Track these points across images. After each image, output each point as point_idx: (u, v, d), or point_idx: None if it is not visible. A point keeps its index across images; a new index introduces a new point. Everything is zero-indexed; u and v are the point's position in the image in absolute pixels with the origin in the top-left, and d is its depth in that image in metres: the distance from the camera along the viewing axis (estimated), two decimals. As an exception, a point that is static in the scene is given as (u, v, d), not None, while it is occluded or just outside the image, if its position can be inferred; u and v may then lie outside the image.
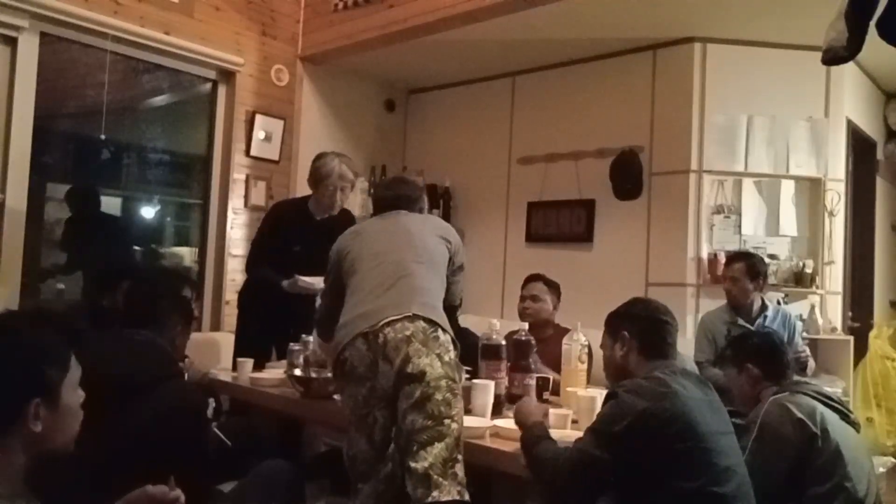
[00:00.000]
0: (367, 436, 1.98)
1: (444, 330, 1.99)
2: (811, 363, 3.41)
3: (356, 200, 4.81)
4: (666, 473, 1.67)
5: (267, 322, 3.24)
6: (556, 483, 1.74)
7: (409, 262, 2.10)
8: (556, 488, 1.75)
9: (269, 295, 3.16)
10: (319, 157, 3.39)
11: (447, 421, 1.87)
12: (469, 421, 2.10)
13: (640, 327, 1.93)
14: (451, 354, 1.98)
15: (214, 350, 3.64)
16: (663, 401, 1.69)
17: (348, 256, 2.21)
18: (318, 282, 3.13)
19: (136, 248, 4.36)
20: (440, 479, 1.81)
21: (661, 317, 1.95)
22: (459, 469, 1.86)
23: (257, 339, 3.25)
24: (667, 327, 1.94)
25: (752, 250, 3.87)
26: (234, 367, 3.11)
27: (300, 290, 3.10)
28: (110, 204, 4.31)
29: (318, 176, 3.29)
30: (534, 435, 1.84)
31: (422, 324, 1.94)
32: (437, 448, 1.84)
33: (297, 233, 3.29)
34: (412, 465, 1.84)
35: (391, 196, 2.40)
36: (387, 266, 2.09)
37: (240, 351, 3.20)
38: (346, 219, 3.37)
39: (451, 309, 2.23)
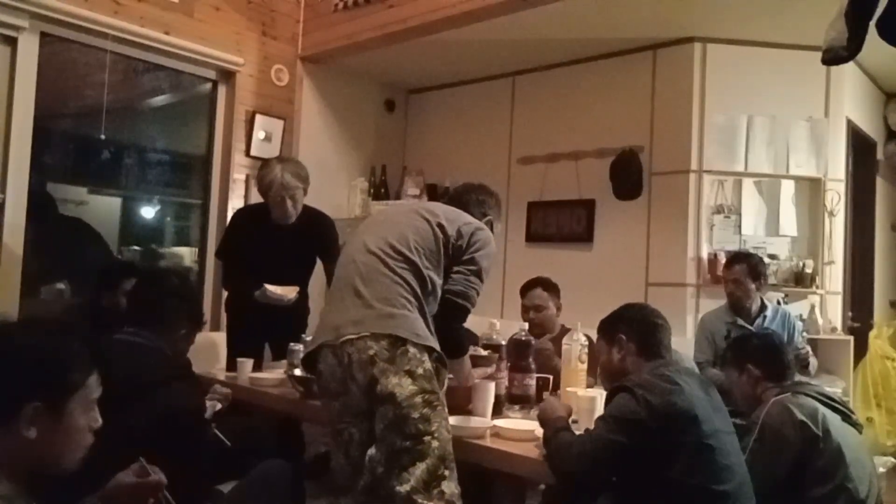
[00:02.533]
0: (344, 452, 1.94)
1: (413, 343, 1.86)
2: (813, 361, 3.41)
3: (356, 200, 4.82)
4: (668, 468, 1.68)
5: (256, 324, 3.19)
6: (564, 468, 1.74)
7: (376, 262, 1.96)
8: (566, 473, 1.75)
9: (253, 300, 3.12)
10: (262, 166, 3.25)
11: (427, 438, 1.80)
12: (469, 421, 2.11)
13: (636, 329, 1.96)
14: (427, 364, 1.86)
15: (214, 350, 3.64)
16: (671, 395, 1.72)
17: (342, 249, 2.19)
18: (288, 292, 3.12)
19: (132, 247, 4.34)
20: (426, 502, 1.77)
21: (655, 319, 1.99)
22: (447, 485, 1.80)
23: (248, 341, 3.20)
24: (662, 329, 1.98)
25: (751, 250, 3.87)
26: (228, 368, 3.10)
27: (269, 300, 3.07)
28: (111, 204, 4.31)
29: (261, 187, 3.16)
30: (554, 427, 1.84)
31: (385, 342, 1.85)
32: (419, 469, 1.78)
33: (260, 240, 3.19)
34: (397, 488, 1.78)
35: (449, 193, 2.41)
36: (354, 268, 1.99)
37: (232, 353, 3.15)
38: (319, 223, 3.28)
39: (444, 304, 2.00)
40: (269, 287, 3.06)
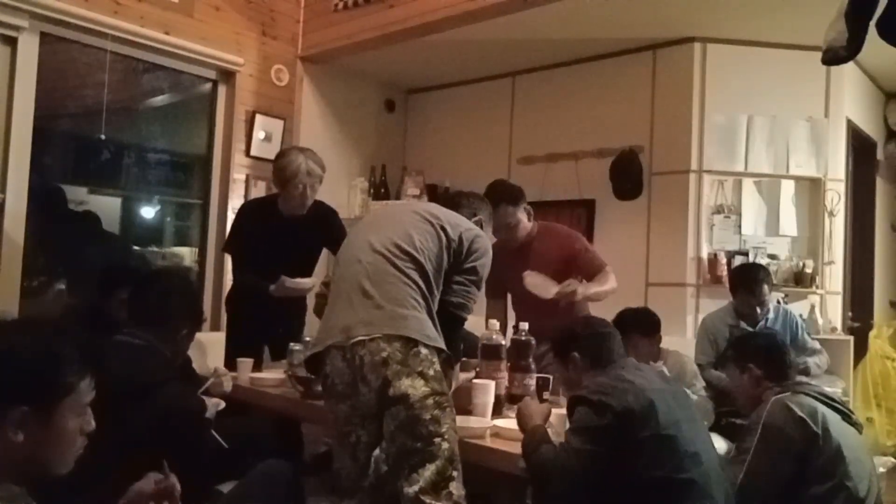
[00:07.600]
0: (351, 454, 1.93)
1: (424, 344, 1.87)
2: (821, 360, 3.43)
3: (356, 200, 4.82)
4: (633, 463, 1.71)
5: (257, 324, 3.17)
6: (553, 488, 1.75)
7: (383, 263, 1.95)
8: (553, 491, 1.76)
9: (258, 298, 3.09)
10: (282, 154, 3.25)
11: (437, 440, 1.81)
12: (469, 421, 2.11)
13: (587, 345, 2.03)
14: (437, 366, 1.87)
15: (214, 350, 3.63)
16: (626, 394, 1.76)
17: (341, 247, 2.16)
18: (306, 282, 3.12)
19: (133, 246, 4.34)
20: (434, 503, 1.77)
21: (602, 329, 2.07)
22: (455, 487, 1.81)
23: (248, 342, 3.17)
24: (611, 337, 2.05)
25: (751, 250, 3.89)
26: (227, 368, 3.09)
27: (288, 292, 3.05)
28: (111, 204, 4.31)
29: (283, 176, 3.14)
30: (533, 440, 1.84)
31: (398, 344, 1.84)
32: (429, 470, 1.78)
33: (269, 233, 3.17)
34: (405, 489, 1.78)
35: (441, 197, 2.45)
36: (360, 268, 1.97)
37: (231, 354, 3.12)
38: (325, 215, 3.29)
39: (443, 314, 2.01)
40: (287, 278, 3.03)
